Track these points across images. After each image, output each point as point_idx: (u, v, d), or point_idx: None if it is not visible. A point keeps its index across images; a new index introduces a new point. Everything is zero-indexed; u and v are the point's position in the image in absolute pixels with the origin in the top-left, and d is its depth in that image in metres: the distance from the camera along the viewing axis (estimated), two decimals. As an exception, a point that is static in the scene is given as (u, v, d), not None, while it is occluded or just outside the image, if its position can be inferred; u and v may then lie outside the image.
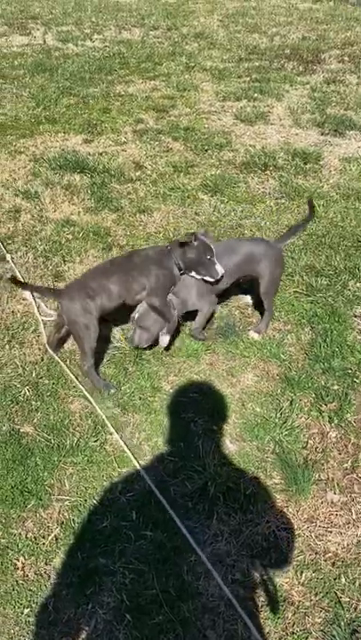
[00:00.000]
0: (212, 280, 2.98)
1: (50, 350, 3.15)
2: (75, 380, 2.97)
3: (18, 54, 9.29)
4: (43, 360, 3.16)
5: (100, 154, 5.65)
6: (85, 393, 2.89)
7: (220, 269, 2.93)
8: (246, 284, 3.51)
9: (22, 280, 2.97)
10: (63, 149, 5.72)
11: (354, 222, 4.50)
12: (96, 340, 2.87)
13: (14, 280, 3.05)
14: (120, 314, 3.14)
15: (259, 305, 3.43)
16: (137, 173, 5.27)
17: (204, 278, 2.99)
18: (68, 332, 3.05)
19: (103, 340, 3.16)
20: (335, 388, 2.98)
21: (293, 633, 2.01)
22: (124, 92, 7.48)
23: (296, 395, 2.95)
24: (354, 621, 2.04)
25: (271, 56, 9.11)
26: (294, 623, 2.04)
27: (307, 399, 2.93)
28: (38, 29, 11.07)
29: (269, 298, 3.25)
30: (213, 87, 7.71)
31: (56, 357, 3.13)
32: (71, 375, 3.01)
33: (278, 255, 3.19)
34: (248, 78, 8.01)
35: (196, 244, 2.91)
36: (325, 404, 2.89)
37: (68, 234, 4.31)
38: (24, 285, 3.22)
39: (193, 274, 3.00)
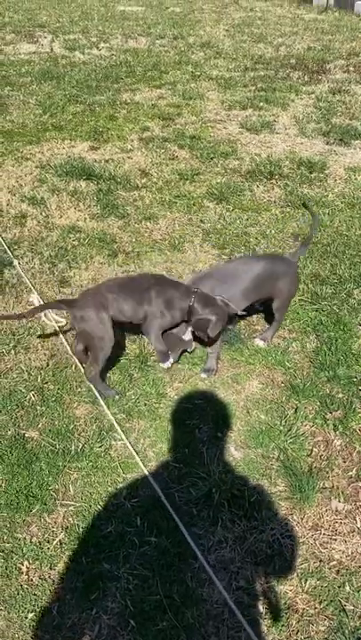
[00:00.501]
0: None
1: (75, 359, 3.16)
2: (92, 387, 2.96)
3: (25, 62, 9.38)
4: (48, 365, 3.17)
5: (107, 161, 5.69)
6: (98, 396, 2.89)
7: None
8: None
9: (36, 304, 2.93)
10: (69, 156, 5.77)
11: (359, 231, 4.52)
12: (111, 351, 2.88)
13: (28, 313, 3.04)
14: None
15: (267, 314, 3.43)
16: (143, 181, 5.30)
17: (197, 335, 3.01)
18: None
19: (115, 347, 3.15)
20: (340, 396, 2.99)
21: (298, 641, 2.00)
22: (131, 100, 7.55)
23: (301, 402, 2.96)
24: (358, 629, 2.03)
25: (277, 66, 9.19)
26: (298, 631, 2.04)
27: (312, 407, 2.94)
28: (45, 37, 11.19)
29: (282, 312, 3.24)
30: (219, 96, 7.77)
31: (80, 365, 3.13)
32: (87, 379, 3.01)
33: (295, 272, 3.17)
34: (254, 87, 8.08)
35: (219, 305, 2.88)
36: (330, 412, 2.89)
37: (73, 240, 4.34)
38: (35, 309, 3.14)
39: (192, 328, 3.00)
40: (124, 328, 3.32)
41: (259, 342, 3.32)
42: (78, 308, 2.79)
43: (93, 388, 2.95)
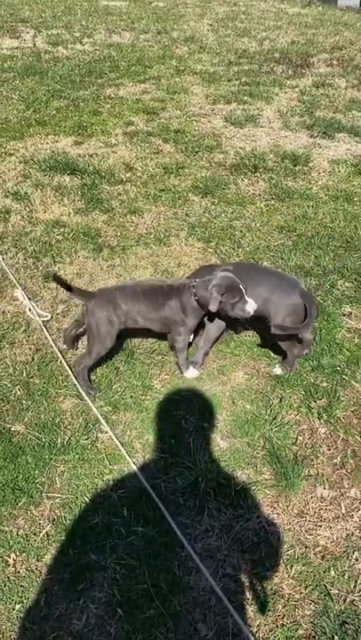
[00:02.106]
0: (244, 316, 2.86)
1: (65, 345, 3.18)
2: (74, 378, 2.96)
3: (7, 57, 9.30)
4: (33, 360, 3.16)
5: (91, 155, 5.67)
6: (81, 391, 2.89)
7: (250, 307, 2.77)
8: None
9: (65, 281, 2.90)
10: (53, 151, 5.74)
11: (342, 223, 4.55)
12: (106, 352, 2.90)
13: (57, 279, 2.97)
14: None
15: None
16: (127, 175, 5.29)
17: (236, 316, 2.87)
18: (84, 331, 3.05)
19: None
20: (324, 385, 3.02)
21: (283, 625, 2.03)
22: (115, 95, 7.52)
23: (286, 392, 2.98)
24: (343, 613, 2.06)
25: (261, 60, 9.20)
26: (284, 615, 2.06)
27: (296, 396, 2.96)
28: (28, 32, 11.10)
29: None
30: (203, 90, 7.77)
31: (58, 353, 3.13)
32: (70, 372, 3.00)
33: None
34: (238, 82, 8.08)
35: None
36: (315, 401, 2.92)
37: (58, 235, 4.32)
38: (65, 286, 3.11)
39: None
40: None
41: (277, 370, 3.12)
42: (93, 303, 2.80)
43: (75, 380, 2.94)
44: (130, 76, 8.36)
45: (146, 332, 3.13)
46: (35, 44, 10.21)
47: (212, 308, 2.71)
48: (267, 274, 3.04)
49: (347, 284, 3.80)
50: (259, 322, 3.13)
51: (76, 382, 2.92)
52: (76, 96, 7.41)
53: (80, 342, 3.22)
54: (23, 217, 4.58)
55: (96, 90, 7.70)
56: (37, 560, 2.22)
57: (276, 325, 2.83)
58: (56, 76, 8.30)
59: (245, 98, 7.40)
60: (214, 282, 2.73)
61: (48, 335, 3.26)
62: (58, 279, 2.86)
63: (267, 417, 2.84)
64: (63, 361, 3.09)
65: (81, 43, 10.35)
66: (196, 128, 6.46)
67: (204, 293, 2.74)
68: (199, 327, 3.08)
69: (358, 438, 2.75)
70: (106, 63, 9.02)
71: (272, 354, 3.23)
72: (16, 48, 9.97)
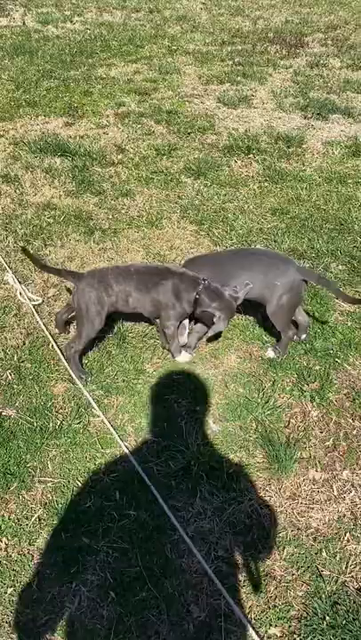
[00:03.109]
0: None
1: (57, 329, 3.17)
2: (65, 363, 2.93)
3: (-3, 36, 9.09)
4: (24, 344, 3.13)
5: (82, 137, 5.58)
6: (72, 374, 2.86)
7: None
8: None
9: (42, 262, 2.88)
10: (44, 132, 5.64)
11: (336, 205, 4.51)
12: (96, 334, 2.87)
13: (33, 259, 3.01)
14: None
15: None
16: (119, 157, 5.21)
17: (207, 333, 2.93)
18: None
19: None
20: (317, 368, 3.01)
21: (275, 606, 2.04)
22: (106, 75, 7.38)
23: (278, 375, 2.97)
24: (334, 593, 2.07)
25: (254, 39, 9.04)
26: (276, 597, 2.07)
27: (289, 379, 2.96)
28: (17, 11, 10.84)
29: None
30: (196, 70, 7.64)
31: (50, 337, 3.10)
32: (61, 356, 2.97)
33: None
34: (231, 62, 7.95)
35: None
36: (307, 384, 2.91)
37: (48, 217, 4.26)
38: (44, 267, 3.09)
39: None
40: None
41: (270, 353, 3.09)
42: (83, 283, 2.77)
43: (66, 364, 2.91)
44: (121, 56, 8.20)
45: (136, 317, 3.10)
46: (24, 23, 9.99)
47: (217, 328, 2.82)
48: (259, 256, 3.02)
49: (340, 266, 3.78)
50: (256, 304, 3.09)
51: (68, 367, 2.90)
52: (66, 76, 7.27)
53: (72, 326, 3.19)
54: (13, 199, 4.51)
55: (87, 70, 7.56)
56: (29, 544, 2.21)
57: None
58: (46, 55, 8.13)
59: (239, 78, 7.28)
60: (223, 304, 2.77)
61: (39, 319, 3.23)
62: (26, 252, 2.87)
63: (259, 400, 2.83)
64: (55, 345, 3.06)
65: (71, 21, 10.14)
66: (189, 109, 6.36)
67: (208, 304, 2.77)
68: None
69: (351, 421, 2.75)
70: (97, 42, 8.84)
71: (265, 337, 3.21)
72: (5, 27, 9.75)
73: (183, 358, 3.03)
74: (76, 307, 2.82)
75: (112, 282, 2.78)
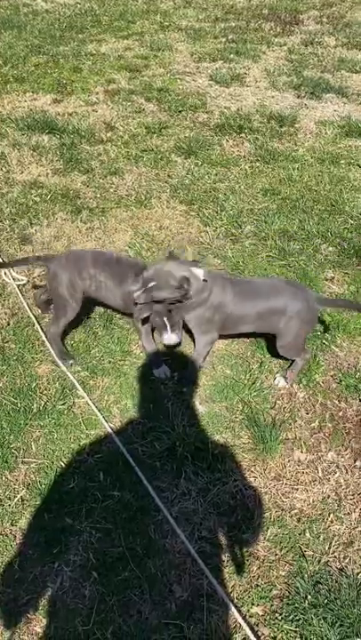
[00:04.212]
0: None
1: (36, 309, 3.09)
2: (48, 345, 2.89)
3: (-16, 9, 8.87)
4: (9, 324, 3.09)
5: (70, 114, 5.46)
6: (55, 357, 2.83)
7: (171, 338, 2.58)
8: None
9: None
10: (31, 109, 5.52)
11: (328, 186, 4.46)
12: (73, 317, 2.80)
13: None
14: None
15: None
16: (108, 134, 5.11)
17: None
18: None
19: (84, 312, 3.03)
20: (305, 349, 2.99)
21: (258, 585, 2.04)
22: (96, 52, 7.22)
23: (265, 357, 2.95)
24: (317, 573, 2.08)
25: (248, 16, 8.87)
26: (259, 576, 2.07)
27: (276, 361, 2.93)
28: (6, -16, 10.56)
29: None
30: (188, 47, 7.49)
31: (33, 318, 3.06)
32: (45, 338, 2.93)
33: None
34: (224, 39, 7.80)
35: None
36: (295, 366, 2.89)
37: (35, 196, 4.18)
38: (8, 264, 3.00)
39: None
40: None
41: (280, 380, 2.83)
42: (55, 266, 2.69)
43: (49, 346, 2.87)
44: (112, 32, 8.03)
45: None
46: (13, -4, 9.74)
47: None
48: (271, 284, 2.72)
49: (330, 248, 3.74)
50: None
51: (50, 349, 2.86)
52: (55, 52, 7.10)
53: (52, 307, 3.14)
54: (-1, 177, 4.42)
55: (77, 45, 7.39)
56: (12, 524, 2.20)
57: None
58: (35, 30, 7.94)
59: (232, 56, 7.14)
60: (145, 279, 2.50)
61: (22, 300, 3.18)
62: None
63: (246, 382, 2.81)
64: (38, 326, 3.01)
65: (61, -5, 9.90)
66: (181, 87, 6.24)
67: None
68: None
69: (337, 402, 2.74)
70: (87, 17, 8.64)
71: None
72: (-7, 0, 9.51)
73: (159, 373, 2.86)
74: (50, 289, 2.76)
75: (88, 266, 2.69)
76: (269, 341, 2.92)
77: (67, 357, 2.87)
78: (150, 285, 2.43)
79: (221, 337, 2.82)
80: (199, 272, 2.54)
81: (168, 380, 2.81)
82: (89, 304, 3.11)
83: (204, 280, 2.54)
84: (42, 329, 2.99)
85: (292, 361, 2.79)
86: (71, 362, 2.86)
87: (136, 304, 2.52)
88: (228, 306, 2.60)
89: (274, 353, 2.85)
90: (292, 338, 2.63)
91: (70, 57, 6.97)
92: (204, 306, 2.58)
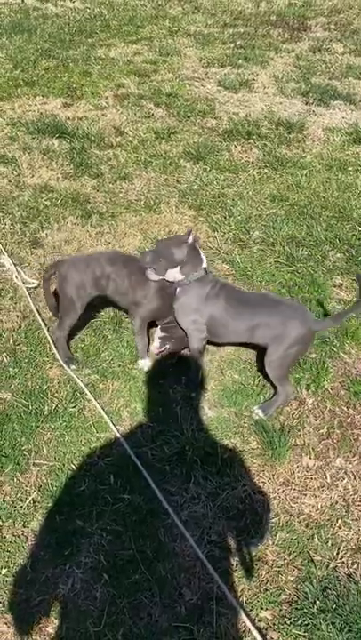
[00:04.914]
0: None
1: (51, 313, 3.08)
2: (54, 348, 2.93)
3: (-6, 13, 8.94)
4: (20, 327, 3.12)
5: (80, 118, 5.51)
6: (61, 361, 2.86)
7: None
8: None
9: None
10: (42, 113, 5.56)
11: (336, 193, 4.48)
12: (77, 319, 2.84)
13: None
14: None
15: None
16: (117, 139, 5.15)
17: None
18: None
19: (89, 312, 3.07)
20: (313, 356, 3.01)
21: (267, 590, 2.06)
22: (105, 56, 7.27)
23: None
24: (325, 579, 2.10)
25: (257, 22, 8.91)
26: (268, 581, 2.09)
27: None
28: (16, -13, 10.63)
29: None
30: (197, 53, 7.53)
31: (41, 322, 3.09)
32: (51, 341, 2.97)
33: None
34: (233, 44, 7.83)
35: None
36: (303, 372, 2.91)
37: (45, 200, 4.22)
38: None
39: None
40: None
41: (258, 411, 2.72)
42: (64, 268, 2.74)
43: (54, 348, 2.90)
44: (121, 37, 8.07)
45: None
46: (23, 0, 9.80)
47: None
48: (271, 302, 2.69)
49: (338, 254, 3.77)
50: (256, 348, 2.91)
51: (56, 352, 2.89)
52: (65, 56, 7.15)
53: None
54: (10, 181, 4.46)
55: (86, 50, 7.44)
56: (24, 526, 2.22)
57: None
58: (45, 34, 8.00)
59: (240, 62, 7.18)
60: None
61: (32, 303, 3.21)
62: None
63: (255, 387, 2.84)
64: (45, 330, 3.04)
65: (71, 0, 9.96)
66: (189, 92, 6.28)
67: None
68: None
69: (345, 409, 2.76)
70: (97, 22, 8.70)
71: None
72: (3, 4, 9.58)
73: (144, 364, 2.92)
74: (59, 291, 2.80)
75: (96, 266, 2.74)
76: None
77: (71, 361, 2.90)
78: (161, 246, 2.62)
79: (218, 344, 2.91)
80: (203, 258, 2.69)
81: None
82: (97, 307, 3.15)
83: (204, 269, 2.67)
84: (49, 333, 3.02)
85: (275, 392, 2.72)
86: (75, 365, 2.89)
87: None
88: (217, 318, 2.64)
89: (263, 372, 2.77)
90: (280, 354, 2.57)
91: (80, 61, 7.02)
92: (197, 295, 2.65)
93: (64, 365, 2.84)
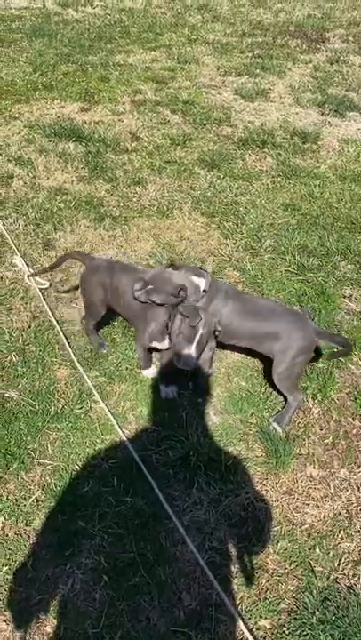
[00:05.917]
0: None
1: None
2: (68, 346, 2.95)
3: (16, 17, 9.07)
4: (30, 327, 3.15)
5: (97, 123, 5.56)
6: (74, 360, 2.88)
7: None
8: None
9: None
10: (59, 117, 5.63)
11: (349, 204, 4.49)
12: (98, 318, 2.93)
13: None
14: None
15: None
16: (133, 144, 5.20)
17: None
18: None
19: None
20: (320, 365, 3.00)
21: (266, 598, 2.05)
22: (124, 62, 7.34)
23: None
24: (326, 589, 2.09)
25: (275, 32, 8.96)
26: (267, 589, 2.09)
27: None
28: (38, -7, 10.79)
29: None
30: (215, 61, 7.59)
31: (54, 322, 3.12)
32: (65, 342, 2.99)
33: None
34: (250, 54, 7.89)
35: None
36: (310, 381, 2.91)
37: (60, 202, 4.26)
38: (55, 267, 3.11)
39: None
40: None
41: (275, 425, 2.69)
42: (90, 264, 2.84)
43: (69, 349, 2.97)
44: (140, 43, 8.15)
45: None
46: (44, 5, 9.95)
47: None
48: (276, 309, 2.70)
49: (349, 265, 3.76)
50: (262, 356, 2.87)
51: (70, 351, 2.93)
52: (84, 61, 7.24)
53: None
54: (26, 182, 4.51)
55: (105, 55, 7.52)
56: (26, 525, 2.24)
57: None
58: (65, 39, 8.10)
59: (257, 71, 7.23)
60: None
61: (45, 303, 3.24)
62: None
63: (261, 395, 2.84)
64: (59, 330, 3.07)
65: (92, 6, 10.09)
66: (206, 100, 6.32)
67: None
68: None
69: (351, 420, 2.75)
70: (116, 28, 8.79)
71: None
72: (25, 8, 9.72)
73: (147, 373, 2.92)
74: (81, 289, 2.86)
75: (115, 272, 2.76)
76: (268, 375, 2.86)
77: (103, 346, 3.03)
78: (149, 288, 2.50)
79: (223, 347, 2.93)
80: (200, 282, 2.61)
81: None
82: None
83: (204, 291, 2.60)
84: (63, 333, 3.05)
85: (285, 402, 2.71)
86: (106, 350, 3.02)
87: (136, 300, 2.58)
88: (223, 318, 2.63)
89: (272, 385, 2.77)
90: (287, 365, 2.59)
91: (98, 66, 7.10)
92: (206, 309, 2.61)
93: (78, 365, 2.87)
